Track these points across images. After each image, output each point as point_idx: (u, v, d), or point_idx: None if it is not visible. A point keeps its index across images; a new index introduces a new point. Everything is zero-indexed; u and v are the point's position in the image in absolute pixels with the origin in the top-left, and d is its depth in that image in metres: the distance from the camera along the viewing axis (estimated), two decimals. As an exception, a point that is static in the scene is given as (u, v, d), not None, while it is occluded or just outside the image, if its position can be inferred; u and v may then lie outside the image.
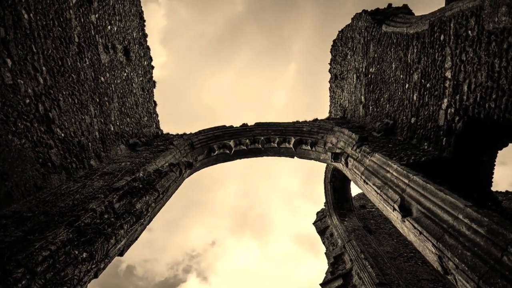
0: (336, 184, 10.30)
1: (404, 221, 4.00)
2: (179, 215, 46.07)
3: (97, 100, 5.80)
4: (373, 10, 7.11)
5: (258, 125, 8.29)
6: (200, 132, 8.06)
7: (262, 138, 8.06)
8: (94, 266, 3.53)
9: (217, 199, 48.02)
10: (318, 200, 38.54)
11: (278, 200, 48.57)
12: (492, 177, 4.67)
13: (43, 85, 4.29)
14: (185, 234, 46.47)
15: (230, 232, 47.42)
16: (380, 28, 6.61)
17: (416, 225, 3.73)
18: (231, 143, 7.99)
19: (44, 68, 4.34)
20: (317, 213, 11.11)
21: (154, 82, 9.03)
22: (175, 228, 46.63)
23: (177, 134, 8.49)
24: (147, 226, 4.97)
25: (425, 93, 5.06)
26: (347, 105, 9.10)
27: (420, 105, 5.25)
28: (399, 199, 4.16)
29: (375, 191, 4.82)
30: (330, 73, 10.73)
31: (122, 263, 39.99)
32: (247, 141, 8.05)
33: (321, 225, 10.51)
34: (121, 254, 4.27)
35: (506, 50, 3.37)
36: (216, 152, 7.93)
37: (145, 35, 8.49)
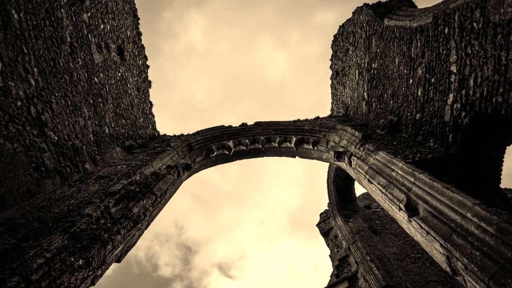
0: (339, 184, 10.05)
1: (411, 221, 3.89)
2: (227, 220, 44.37)
3: (91, 101, 5.66)
4: (375, 3, 6.95)
5: (258, 124, 8.16)
6: (198, 132, 7.93)
7: (262, 138, 7.92)
8: (91, 273, 3.46)
9: (275, 196, 45.61)
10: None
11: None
12: (501, 174, 4.54)
13: (34, 87, 4.17)
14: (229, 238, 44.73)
15: (283, 232, 45.29)
16: (382, 22, 6.47)
17: (423, 225, 3.64)
18: (230, 143, 7.86)
19: (35, 70, 4.21)
20: (321, 214, 10.84)
21: (150, 82, 8.89)
22: (220, 235, 44.90)
23: (174, 135, 8.35)
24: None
25: (430, 88, 4.93)
26: (349, 102, 8.95)
27: (425, 101, 5.12)
28: (405, 198, 4.05)
29: (380, 190, 4.70)
30: (332, 69, 10.57)
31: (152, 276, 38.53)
32: (247, 141, 7.92)
33: (324, 226, 10.28)
34: (118, 260, 4.15)
35: (514, 42, 3.26)
36: (215, 153, 7.80)
37: (139, 34, 8.33)
